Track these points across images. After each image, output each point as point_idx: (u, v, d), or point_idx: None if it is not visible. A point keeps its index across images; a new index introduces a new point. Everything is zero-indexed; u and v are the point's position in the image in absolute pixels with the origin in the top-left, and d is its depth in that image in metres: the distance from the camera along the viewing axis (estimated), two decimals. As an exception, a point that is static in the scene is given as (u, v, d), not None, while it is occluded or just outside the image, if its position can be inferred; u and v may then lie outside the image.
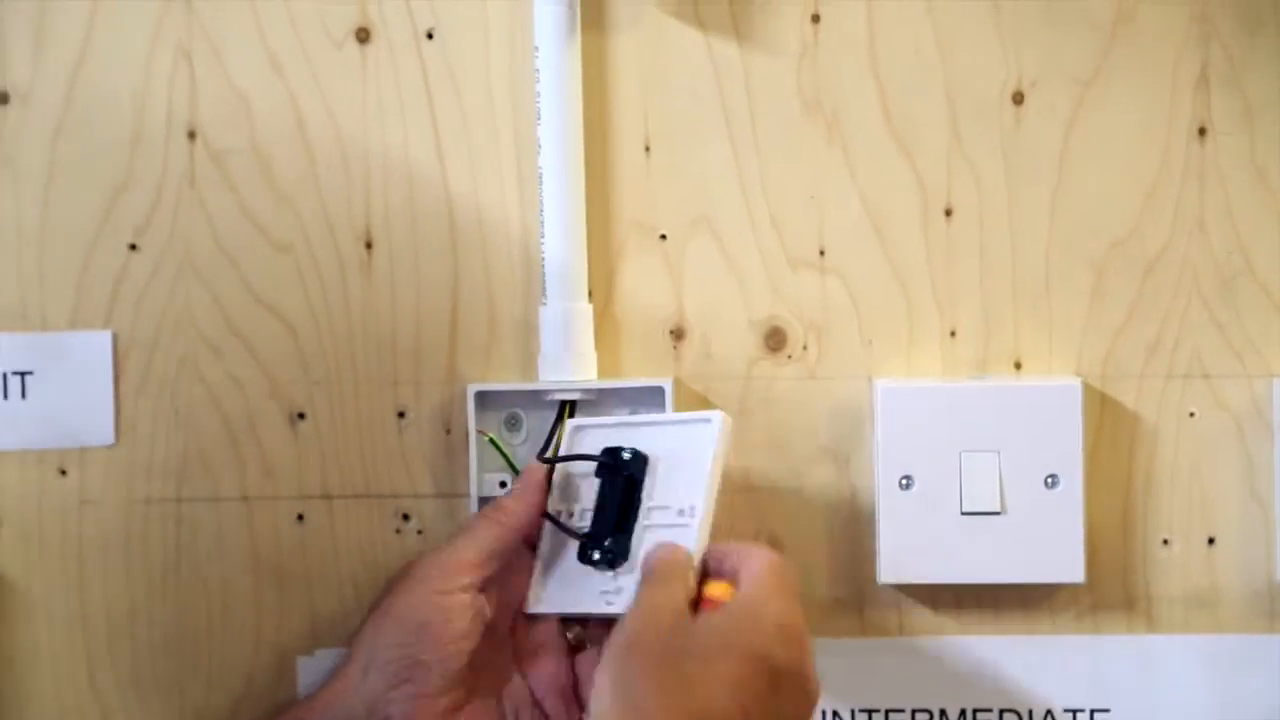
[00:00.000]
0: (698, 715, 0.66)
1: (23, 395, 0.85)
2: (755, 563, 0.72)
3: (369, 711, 0.78)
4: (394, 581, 0.80)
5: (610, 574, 0.79)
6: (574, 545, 0.79)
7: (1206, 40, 0.84)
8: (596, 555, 0.78)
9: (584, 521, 0.80)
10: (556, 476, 0.81)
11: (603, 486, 0.80)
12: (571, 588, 0.80)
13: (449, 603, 0.77)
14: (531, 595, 0.81)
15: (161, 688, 0.86)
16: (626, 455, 0.79)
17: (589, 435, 0.82)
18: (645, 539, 0.79)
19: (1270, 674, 0.86)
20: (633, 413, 0.84)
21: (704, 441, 0.78)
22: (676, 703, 0.66)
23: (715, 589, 0.72)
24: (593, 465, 0.80)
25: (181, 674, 0.86)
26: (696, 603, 0.72)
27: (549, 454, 0.83)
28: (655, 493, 0.80)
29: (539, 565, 0.81)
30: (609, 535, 0.79)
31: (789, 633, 0.69)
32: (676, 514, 0.79)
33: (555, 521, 0.80)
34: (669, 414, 0.82)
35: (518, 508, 0.80)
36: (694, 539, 0.75)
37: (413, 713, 0.78)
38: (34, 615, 0.85)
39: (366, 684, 0.78)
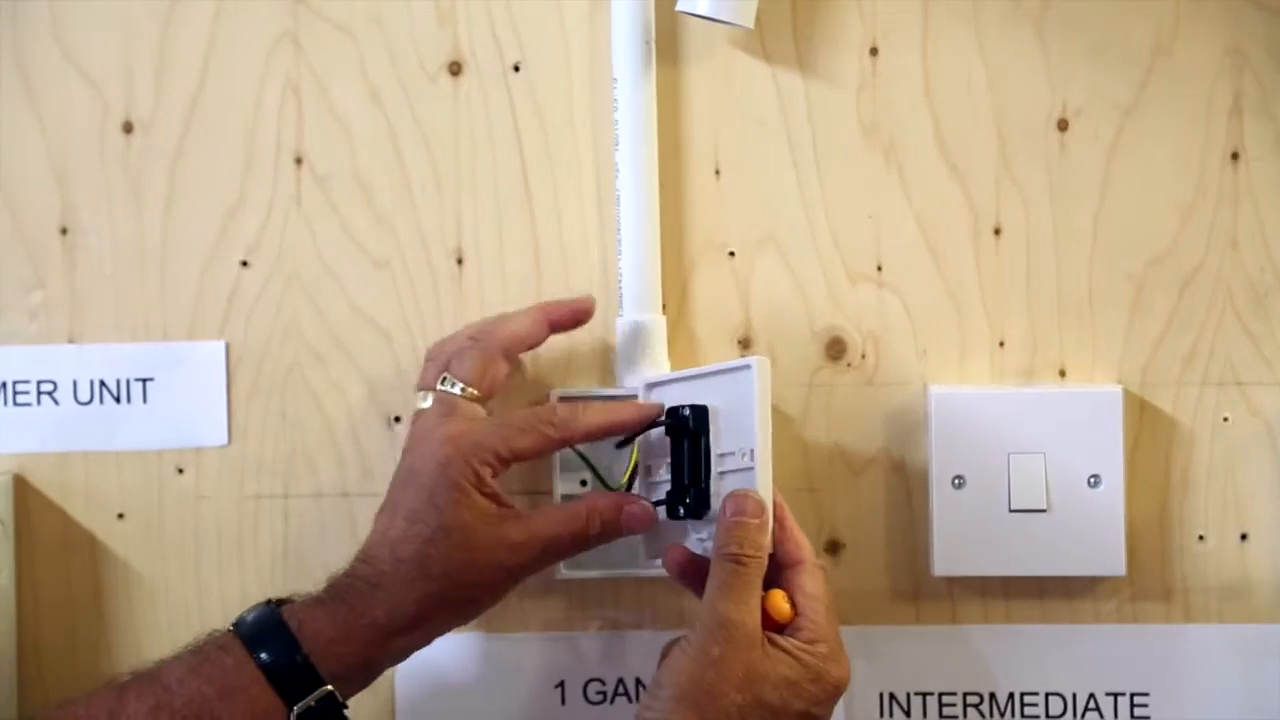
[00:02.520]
0: None
1: (144, 400, 0.89)
2: (810, 601, 0.78)
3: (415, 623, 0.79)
4: (460, 550, 0.80)
5: (694, 525, 0.82)
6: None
7: (1239, 71, 0.87)
8: (682, 511, 0.82)
9: (665, 478, 0.83)
10: (643, 439, 0.83)
11: (674, 445, 0.83)
12: (672, 538, 0.83)
13: (507, 577, 0.80)
14: (645, 552, 0.85)
15: None
16: (686, 413, 0.82)
17: (661, 392, 0.84)
18: (721, 486, 0.82)
19: (1301, 663, 0.89)
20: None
21: (749, 387, 0.80)
22: (749, 714, 0.74)
23: (777, 607, 0.77)
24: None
25: None
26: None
27: (632, 462, 0.84)
28: (721, 440, 0.82)
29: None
30: (689, 491, 0.82)
31: (835, 694, 0.77)
32: (741, 458, 0.81)
33: (641, 500, 0.82)
34: (715, 365, 0.84)
35: (614, 538, 0.83)
36: (757, 481, 0.79)
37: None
38: (155, 601, 0.90)
39: (410, 641, 0.80)
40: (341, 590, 0.79)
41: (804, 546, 0.79)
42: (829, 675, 0.76)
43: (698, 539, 0.82)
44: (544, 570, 0.86)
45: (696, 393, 0.83)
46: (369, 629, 0.78)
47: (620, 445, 0.83)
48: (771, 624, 0.77)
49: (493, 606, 0.82)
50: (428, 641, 0.81)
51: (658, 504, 0.83)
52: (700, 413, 0.81)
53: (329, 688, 0.77)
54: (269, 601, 0.79)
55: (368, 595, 0.79)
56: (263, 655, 0.77)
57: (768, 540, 0.78)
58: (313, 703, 0.77)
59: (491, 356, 0.82)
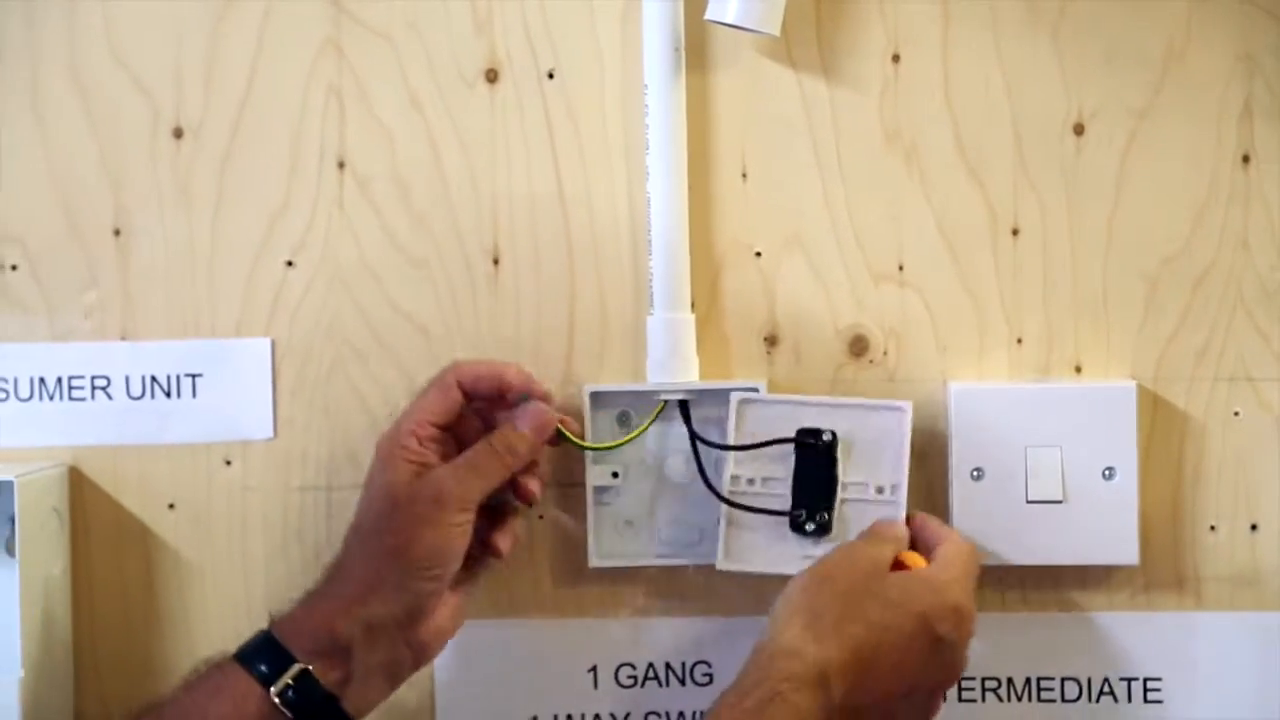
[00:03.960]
0: (864, 646, 0.77)
1: (194, 394, 0.91)
2: (950, 546, 0.83)
3: (366, 628, 0.80)
4: (385, 505, 0.81)
5: (813, 541, 0.86)
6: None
7: (1250, 76, 0.89)
8: (811, 526, 0.86)
9: (769, 489, 0.86)
10: (732, 439, 0.86)
11: (802, 463, 0.87)
12: (769, 549, 0.87)
13: (454, 534, 0.81)
14: (722, 551, 0.87)
15: None
16: (827, 437, 0.86)
17: (759, 410, 0.87)
18: (844, 512, 0.86)
19: (1308, 647, 0.90)
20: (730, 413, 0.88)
21: (898, 427, 0.86)
22: (851, 630, 0.77)
23: (911, 557, 0.82)
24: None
25: None
26: (895, 564, 0.82)
27: (635, 434, 0.87)
28: (849, 470, 0.86)
29: (722, 524, 0.87)
30: (821, 509, 0.86)
31: (961, 613, 0.80)
32: (875, 490, 0.86)
33: (753, 509, 0.86)
34: (856, 399, 0.88)
35: (526, 452, 0.84)
36: (900, 513, 0.84)
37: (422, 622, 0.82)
38: (204, 588, 0.92)
39: (366, 609, 0.80)
40: (312, 587, 0.83)
41: (946, 533, 0.84)
42: (949, 591, 0.80)
43: (804, 557, 0.85)
44: (575, 558, 0.89)
45: (816, 419, 0.86)
46: (329, 600, 0.81)
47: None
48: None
49: (451, 554, 0.82)
50: (398, 610, 0.81)
51: (767, 512, 0.86)
52: (833, 441, 0.86)
53: (303, 665, 0.79)
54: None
55: (329, 575, 0.82)
56: (241, 653, 0.80)
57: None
58: (290, 680, 0.79)
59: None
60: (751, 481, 0.87)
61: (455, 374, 0.84)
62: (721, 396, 0.88)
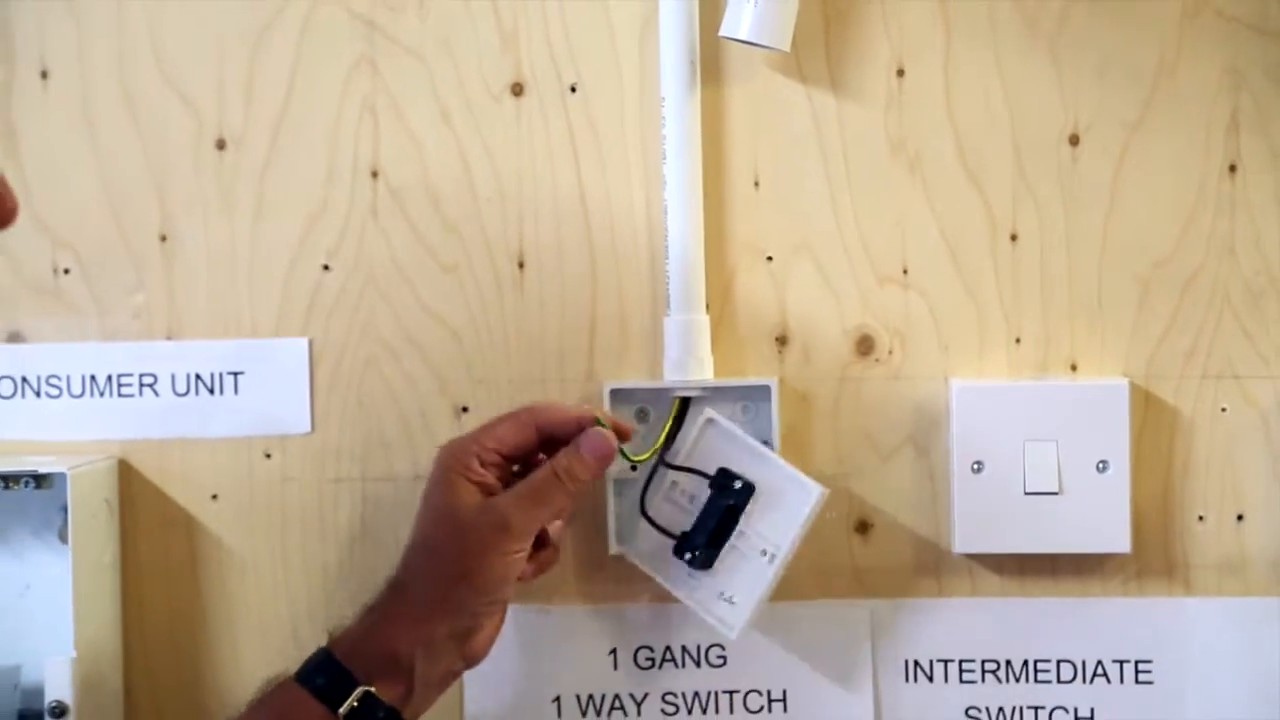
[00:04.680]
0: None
1: (235, 391, 0.93)
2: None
3: (427, 645, 0.81)
4: (450, 531, 0.81)
5: (692, 568, 0.87)
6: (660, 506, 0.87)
7: (1237, 90, 0.89)
8: (688, 557, 0.87)
9: (692, 505, 0.87)
10: (682, 457, 0.87)
11: (712, 499, 0.87)
12: (664, 561, 0.88)
13: (516, 561, 0.81)
14: (615, 538, 0.89)
15: None
16: (738, 485, 0.86)
17: (716, 434, 0.88)
18: (727, 558, 0.87)
19: (1292, 633, 0.91)
20: (744, 410, 0.90)
21: (803, 503, 0.85)
22: None
23: None
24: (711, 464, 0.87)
25: None
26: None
27: (658, 444, 0.88)
28: (750, 521, 0.86)
29: (617, 511, 0.88)
30: (704, 545, 0.87)
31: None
32: (760, 551, 0.86)
33: (654, 524, 0.87)
34: (783, 462, 0.86)
35: (588, 479, 0.83)
36: (769, 581, 0.85)
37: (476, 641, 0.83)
38: (245, 575, 0.93)
39: (428, 629, 0.81)
40: (372, 603, 0.83)
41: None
42: None
43: (688, 576, 0.87)
44: (596, 546, 0.90)
45: (745, 463, 0.87)
46: (390, 621, 0.81)
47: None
48: None
49: (513, 581, 0.82)
50: (458, 628, 0.81)
51: (660, 529, 0.87)
52: (748, 489, 0.86)
53: (367, 688, 0.79)
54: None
55: (389, 596, 0.82)
56: (303, 674, 0.80)
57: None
58: (355, 703, 0.79)
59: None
60: (684, 493, 0.88)
61: (535, 417, 0.83)
62: (735, 393, 0.89)
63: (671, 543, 0.88)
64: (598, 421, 0.83)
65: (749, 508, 0.87)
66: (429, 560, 0.82)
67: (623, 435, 0.85)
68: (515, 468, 0.85)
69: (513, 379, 0.92)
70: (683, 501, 0.89)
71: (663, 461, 0.88)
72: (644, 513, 0.88)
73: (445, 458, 0.83)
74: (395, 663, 0.80)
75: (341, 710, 0.79)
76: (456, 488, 0.81)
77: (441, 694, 0.84)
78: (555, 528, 0.87)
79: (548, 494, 0.82)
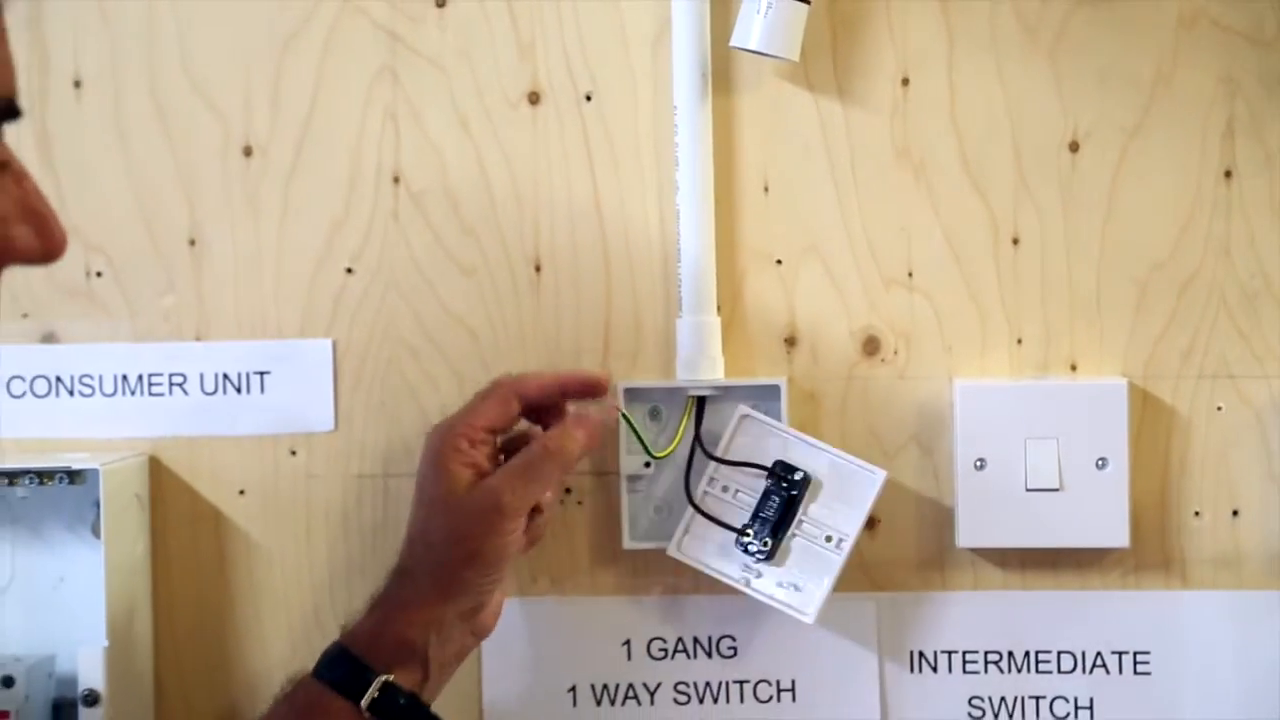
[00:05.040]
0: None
1: (262, 390, 0.94)
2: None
3: (438, 629, 0.82)
4: (446, 517, 0.82)
5: (754, 560, 0.88)
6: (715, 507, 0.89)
7: (1232, 98, 0.90)
8: (753, 548, 0.88)
9: (738, 501, 0.89)
10: (721, 451, 0.89)
11: (769, 491, 0.89)
12: (719, 553, 0.89)
13: (513, 539, 0.83)
14: (676, 541, 0.90)
15: None
16: (798, 476, 0.88)
17: (756, 428, 0.89)
18: (790, 546, 0.88)
19: (1284, 624, 0.92)
20: (755, 406, 0.90)
21: (869, 487, 0.87)
22: None
23: None
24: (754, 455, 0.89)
25: None
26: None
27: (677, 440, 0.89)
28: (810, 510, 0.88)
29: (687, 516, 0.89)
30: (767, 536, 0.88)
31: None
32: (824, 539, 0.88)
33: (711, 518, 0.89)
34: (840, 451, 0.88)
35: (577, 455, 0.84)
36: (840, 566, 0.87)
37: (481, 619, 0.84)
38: (272, 567, 0.95)
39: (437, 612, 0.82)
40: (376, 595, 0.84)
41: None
42: None
43: (745, 567, 0.89)
44: (611, 540, 0.91)
45: (797, 454, 0.89)
46: (399, 610, 0.82)
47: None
48: None
49: (514, 555, 0.83)
50: (464, 608, 0.83)
51: (719, 524, 0.88)
52: (806, 480, 0.88)
53: (386, 677, 0.80)
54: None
55: (395, 585, 0.83)
56: (322, 669, 0.82)
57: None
58: (375, 693, 0.80)
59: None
60: (726, 489, 0.90)
61: (517, 388, 0.85)
62: (745, 393, 0.91)
63: (723, 537, 0.89)
64: (583, 380, 0.86)
65: (807, 497, 0.88)
66: (430, 547, 0.83)
67: (600, 388, 0.87)
68: (499, 440, 0.86)
69: None
70: (725, 497, 0.90)
71: (710, 456, 0.90)
72: (699, 510, 0.89)
73: (434, 442, 0.84)
74: (409, 649, 0.82)
75: (363, 702, 0.80)
76: (449, 472, 0.82)
77: (455, 670, 0.85)
78: (546, 497, 0.87)
79: (539, 471, 0.83)
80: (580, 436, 0.85)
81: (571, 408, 0.88)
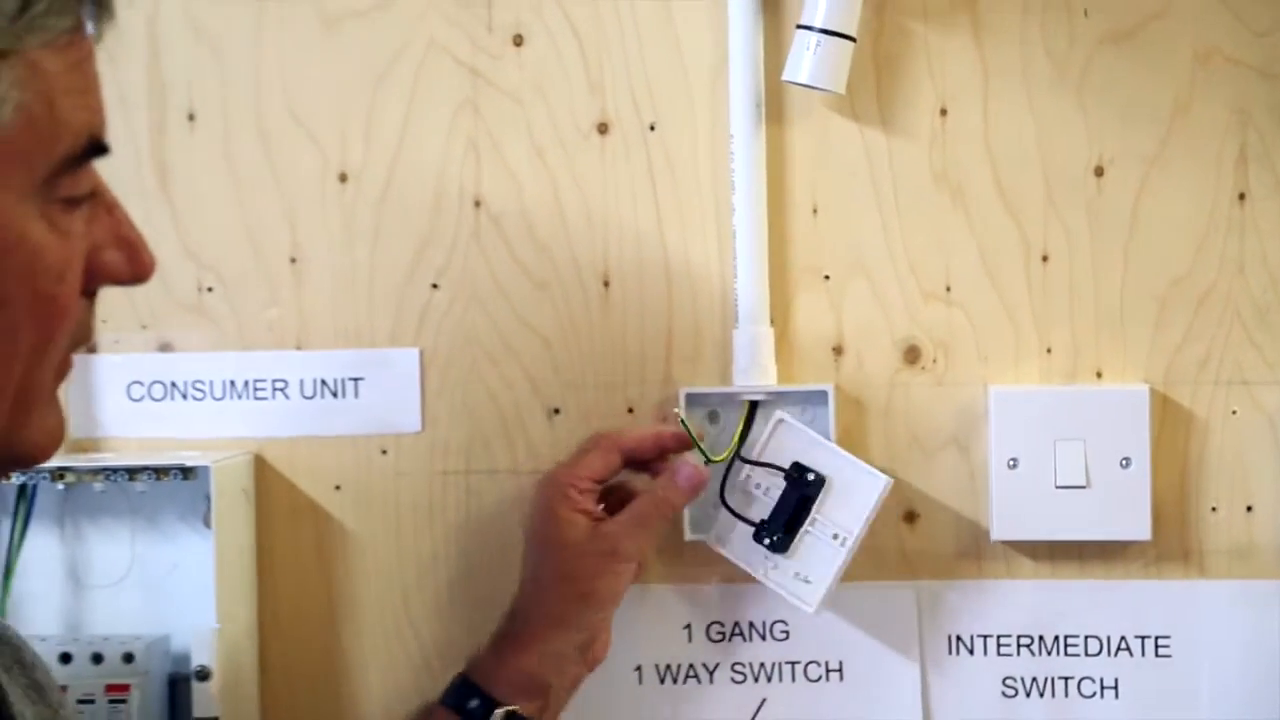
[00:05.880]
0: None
1: (355, 395, 0.98)
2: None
3: (556, 666, 0.88)
4: (565, 559, 0.87)
5: (770, 551, 0.93)
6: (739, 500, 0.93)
7: (1244, 127, 0.93)
8: (768, 541, 0.92)
9: (766, 496, 0.92)
10: (756, 453, 0.93)
11: (787, 490, 0.92)
12: (742, 546, 0.93)
13: (625, 579, 0.89)
14: (690, 526, 0.94)
15: (456, 612, 0.99)
16: (811, 478, 0.92)
17: (788, 432, 0.93)
18: (801, 542, 0.92)
19: (1295, 609, 0.94)
20: (804, 411, 0.94)
21: (871, 492, 0.90)
22: None
23: None
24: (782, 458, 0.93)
25: (471, 601, 0.98)
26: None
27: (734, 444, 0.93)
28: (822, 509, 0.91)
29: (721, 508, 0.93)
30: (781, 531, 0.92)
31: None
32: (831, 535, 0.91)
33: (734, 513, 0.93)
34: (851, 456, 0.91)
35: (681, 505, 0.91)
36: (842, 562, 0.91)
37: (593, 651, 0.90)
38: (365, 557, 0.99)
39: (556, 646, 0.87)
40: (495, 632, 0.89)
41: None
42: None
43: (765, 559, 0.93)
44: (674, 533, 0.95)
45: (816, 458, 0.92)
46: (520, 645, 0.87)
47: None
48: None
49: (622, 594, 0.89)
50: (580, 641, 0.88)
51: (740, 518, 0.92)
52: (820, 481, 0.92)
53: (512, 708, 0.86)
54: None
55: (515, 624, 0.89)
56: (451, 700, 0.87)
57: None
58: (502, 717, 0.86)
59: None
60: (758, 486, 0.93)
61: (618, 443, 0.90)
62: (796, 397, 0.94)
63: (748, 530, 0.93)
64: (677, 435, 0.91)
65: (820, 497, 0.91)
66: (547, 588, 0.88)
67: (687, 445, 0.92)
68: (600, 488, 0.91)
69: (598, 384, 0.97)
70: (757, 493, 0.93)
71: (739, 458, 0.93)
72: (725, 504, 0.93)
73: (549, 492, 0.89)
74: (532, 681, 0.87)
75: None
76: (564, 519, 0.88)
77: (570, 697, 0.90)
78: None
79: (650, 519, 0.89)
80: (685, 489, 0.90)
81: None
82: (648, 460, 0.92)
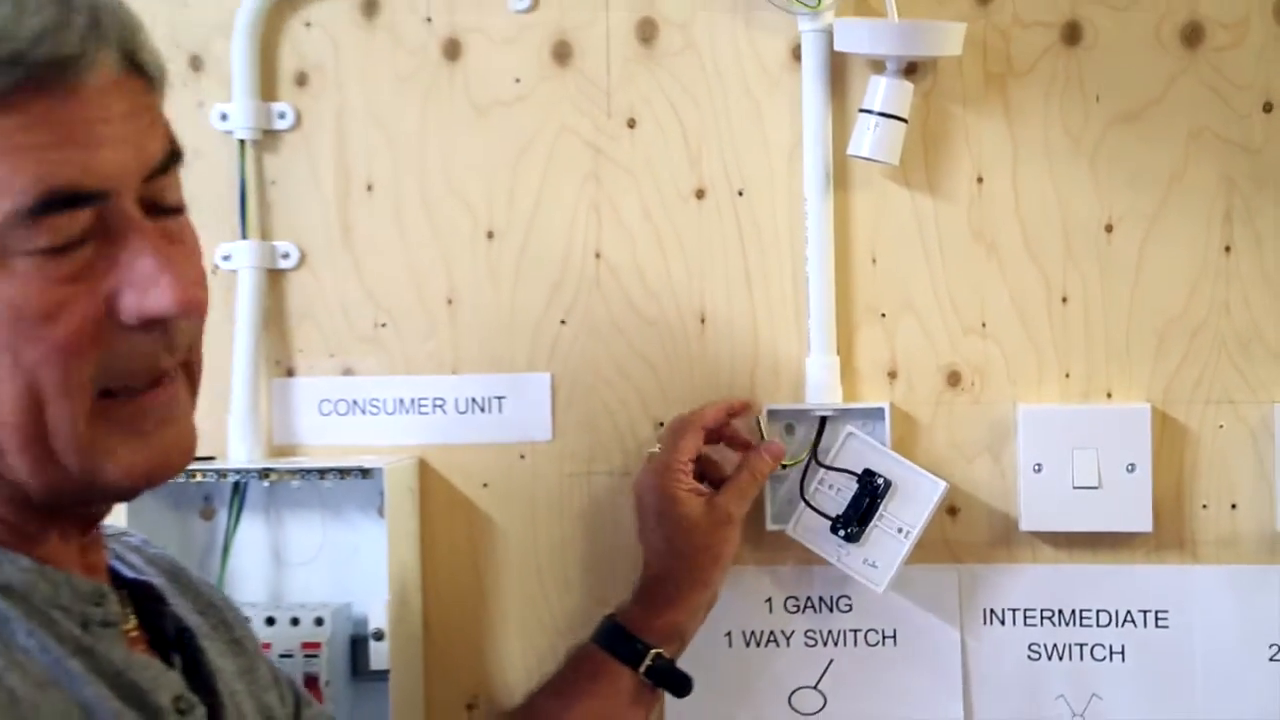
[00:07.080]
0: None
1: (499, 411, 1.12)
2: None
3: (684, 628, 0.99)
4: (692, 535, 0.99)
5: (844, 541, 1.05)
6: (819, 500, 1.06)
7: (1230, 193, 1.05)
8: (843, 533, 1.05)
9: (839, 496, 1.05)
10: (830, 459, 1.05)
11: (859, 491, 1.04)
12: (819, 536, 1.06)
13: (736, 542, 1.01)
14: (793, 523, 1.06)
15: (581, 586, 1.12)
16: (880, 482, 1.04)
17: (857, 443, 1.05)
18: (870, 535, 1.04)
19: (1273, 591, 1.05)
20: (863, 425, 1.07)
21: (932, 494, 1.02)
22: None
23: None
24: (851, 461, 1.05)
25: (592, 577, 1.11)
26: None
27: (809, 450, 1.06)
28: (889, 507, 1.04)
29: (801, 506, 1.05)
30: (855, 525, 1.04)
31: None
32: (896, 530, 1.03)
33: (815, 509, 1.05)
34: (915, 465, 1.03)
35: (768, 474, 1.03)
36: (905, 551, 1.02)
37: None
38: (509, 543, 1.12)
39: (694, 602, 0.99)
40: (637, 590, 1.01)
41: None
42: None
43: (838, 547, 1.04)
44: (757, 523, 1.08)
45: (883, 464, 1.04)
46: (665, 604, 0.98)
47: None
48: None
49: (734, 553, 1.01)
50: (708, 595, 1.00)
51: (819, 512, 1.04)
52: (888, 484, 1.04)
53: (659, 650, 0.97)
54: (609, 615, 1.00)
55: (654, 587, 1.00)
56: (604, 643, 0.98)
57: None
58: (650, 661, 0.97)
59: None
60: (831, 486, 1.05)
61: (701, 421, 1.02)
62: (857, 414, 1.07)
63: (823, 522, 1.05)
64: (742, 401, 1.06)
65: (887, 497, 1.03)
66: (680, 557, 0.99)
67: (748, 408, 1.06)
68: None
69: (695, 401, 1.09)
70: (829, 493, 1.06)
71: (818, 463, 1.06)
72: (807, 501, 1.06)
73: (659, 479, 0.99)
74: (675, 630, 0.99)
75: (641, 668, 0.98)
76: (680, 498, 0.99)
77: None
78: None
79: (748, 487, 1.02)
80: (771, 460, 1.04)
81: (737, 422, 1.06)
82: (720, 431, 1.04)
